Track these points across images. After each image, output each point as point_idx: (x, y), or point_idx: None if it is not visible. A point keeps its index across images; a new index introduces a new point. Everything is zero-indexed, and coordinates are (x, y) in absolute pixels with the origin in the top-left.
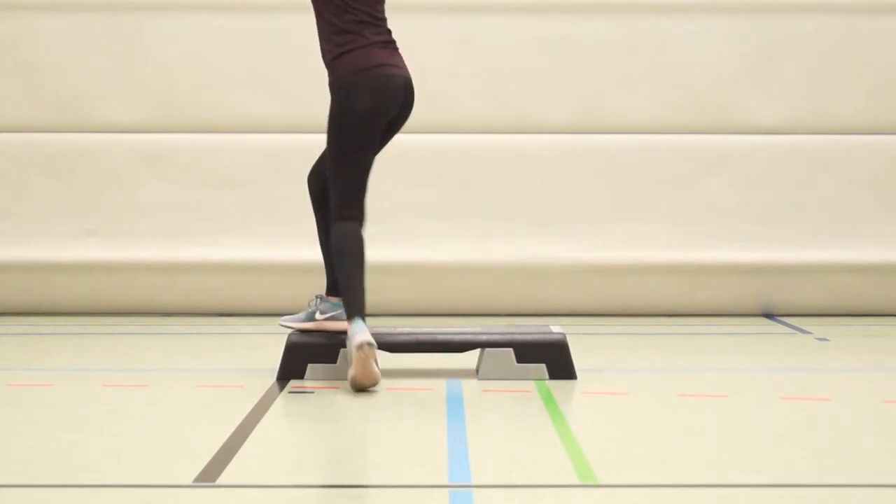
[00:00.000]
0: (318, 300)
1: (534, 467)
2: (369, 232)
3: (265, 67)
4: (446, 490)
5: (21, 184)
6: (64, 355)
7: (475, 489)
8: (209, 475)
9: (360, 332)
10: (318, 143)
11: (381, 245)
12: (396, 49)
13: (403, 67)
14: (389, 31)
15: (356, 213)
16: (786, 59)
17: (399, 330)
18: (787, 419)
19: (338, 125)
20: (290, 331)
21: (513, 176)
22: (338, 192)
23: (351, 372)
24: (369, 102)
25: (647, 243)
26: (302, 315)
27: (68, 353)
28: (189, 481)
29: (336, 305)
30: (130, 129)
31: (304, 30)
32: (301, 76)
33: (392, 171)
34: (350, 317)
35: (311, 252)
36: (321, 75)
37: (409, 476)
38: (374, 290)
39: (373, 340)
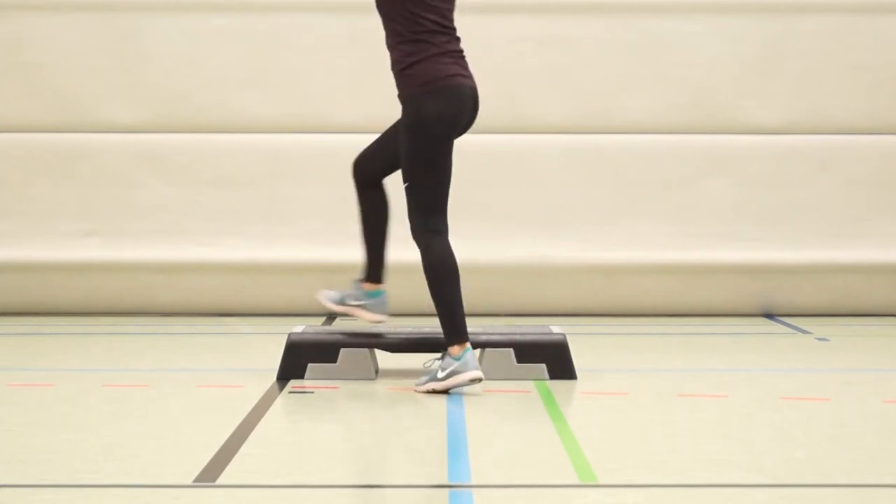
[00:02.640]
0: (354, 284)
1: (534, 467)
2: None
3: (265, 67)
4: (446, 490)
5: (21, 184)
6: (64, 355)
7: (475, 489)
8: (209, 475)
9: (475, 368)
10: (318, 143)
11: None
12: (464, 57)
13: (471, 77)
14: (459, 39)
15: (443, 225)
16: (786, 59)
17: (399, 330)
18: (787, 419)
19: (414, 136)
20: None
21: (513, 176)
22: (421, 206)
23: (435, 387)
24: (442, 111)
25: (647, 243)
26: (338, 294)
27: (68, 353)
28: (189, 481)
29: (368, 294)
30: (130, 129)
31: (305, 30)
32: (301, 76)
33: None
34: (458, 341)
35: (311, 252)
36: (321, 75)
37: (409, 476)
38: None
39: (482, 376)
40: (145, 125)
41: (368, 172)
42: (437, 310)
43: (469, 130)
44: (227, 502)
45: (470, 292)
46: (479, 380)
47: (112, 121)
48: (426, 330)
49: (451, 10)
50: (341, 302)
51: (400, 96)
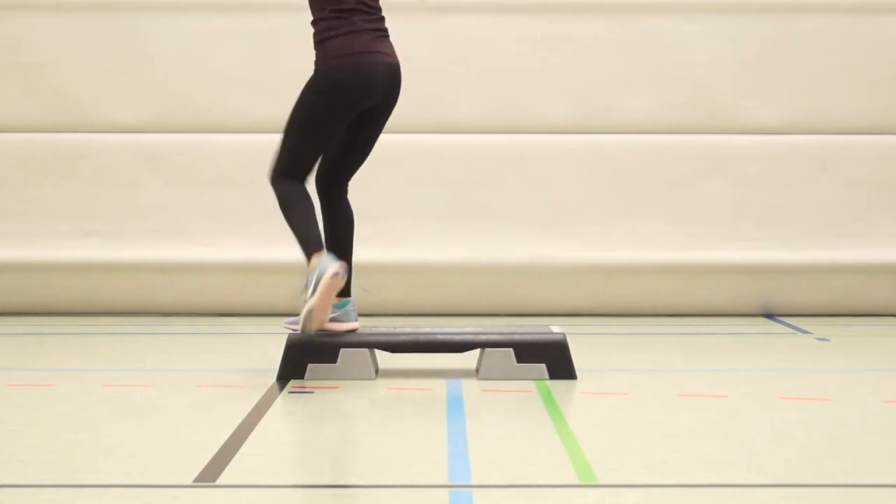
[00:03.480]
0: None
1: (534, 467)
2: (368, 231)
3: (265, 67)
4: (446, 490)
5: (21, 184)
6: (64, 355)
7: (475, 489)
8: (209, 475)
9: (332, 262)
10: None
11: (379, 245)
12: (386, 38)
13: (390, 55)
14: (382, 19)
15: (300, 177)
16: (786, 59)
17: (399, 330)
18: (787, 419)
19: (311, 97)
20: (291, 331)
21: (513, 176)
22: (287, 158)
23: (311, 304)
24: (350, 83)
25: (647, 243)
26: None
27: (68, 353)
28: (189, 481)
29: (335, 307)
30: (130, 129)
31: (305, 30)
32: (301, 76)
33: (391, 171)
34: (315, 251)
35: None
36: None
37: (409, 476)
38: (374, 291)
39: (340, 269)
40: (145, 125)
41: (329, 183)
42: (295, 236)
43: (471, 130)
44: (227, 502)
45: (470, 292)
46: (338, 274)
47: (112, 121)
48: (426, 330)
49: None
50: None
51: (315, 63)
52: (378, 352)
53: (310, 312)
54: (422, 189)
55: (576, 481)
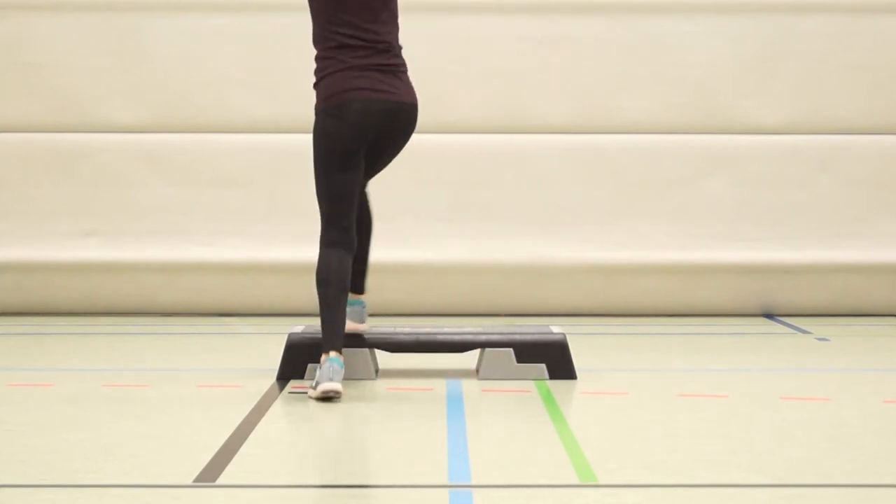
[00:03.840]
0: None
1: (534, 467)
2: None
3: (265, 67)
4: (446, 490)
5: (21, 184)
6: (64, 355)
7: (475, 489)
8: (209, 475)
9: (331, 382)
10: None
11: (381, 245)
12: (389, 71)
13: (388, 91)
14: (386, 51)
15: (338, 237)
16: (786, 59)
17: (399, 330)
18: (787, 419)
19: (315, 147)
20: (292, 330)
21: (513, 176)
22: (322, 216)
23: (312, 395)
24: (334, 128)
25: (647, 243)
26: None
27: (68, 353)
28: (189, 481)
29: (351, 303)
30: (130, 129)
31: (304, 30)
32: (301, 76)
33: (392, 171)
34: (328, 350)
35: (311, 252)
36: None
37: (409, 476)
38: (374, 290)
39: (340, 389)
40: (145, 125)
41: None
42: (320, 317)
43: (471, 130)
44: (227, 502)
45: (470, 292)
46: (334, 393)
47: (112, 121)
48: (426, 330)
49: (371, 21)
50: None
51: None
52: (378, 352)
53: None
54: (422, 189)
55: (576, 481)
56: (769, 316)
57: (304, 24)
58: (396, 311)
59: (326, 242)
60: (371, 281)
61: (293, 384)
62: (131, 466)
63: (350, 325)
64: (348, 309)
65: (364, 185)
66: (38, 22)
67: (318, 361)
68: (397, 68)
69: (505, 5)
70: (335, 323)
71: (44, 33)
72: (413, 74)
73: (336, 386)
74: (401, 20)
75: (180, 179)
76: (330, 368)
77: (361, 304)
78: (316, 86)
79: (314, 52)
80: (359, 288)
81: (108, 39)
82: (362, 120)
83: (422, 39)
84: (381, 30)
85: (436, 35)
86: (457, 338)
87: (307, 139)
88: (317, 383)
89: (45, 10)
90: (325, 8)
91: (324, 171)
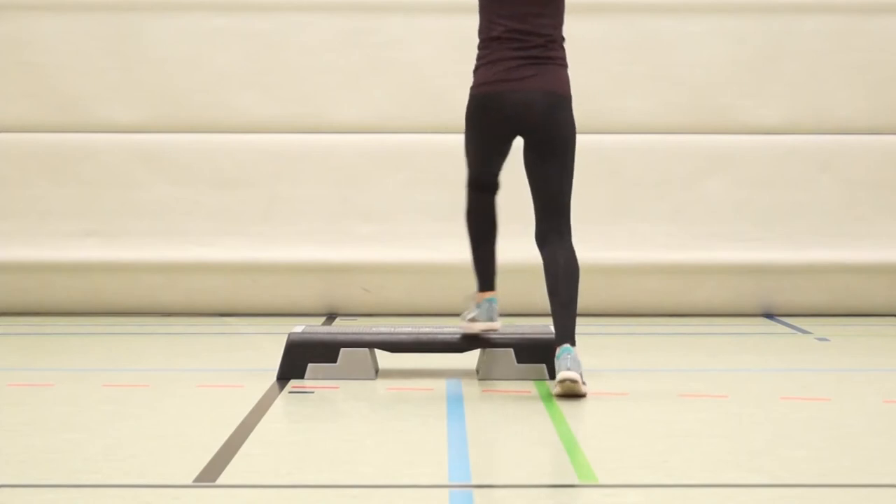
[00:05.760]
0: (468, 298)
1: (534, 467)
2: (368, 231)
3: (265, 67)
4: (446, 490)
5: (21, 184)
6: (64, 355)
7: (475, 489)
8: (209, 475)
9: (488, 318)
10: (317, 142)
11: (381, 245)
12: (539, 64)
13: (532, 83)
14: (541, 46)
15: (487, 182)
16: (786, 59)
17: (399, 330)
18: (787, 419)
19: (465, 123)
20: (290, 331)
21: (512, 176)
22: (468, 169)
23: (477, 325)
24: (471, 115)
25: (647, 243)
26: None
27: (68, 353)
28: (189, 481)
29: (477, 305)
30: (130, 129)
31: (305, 30)
32: (301, 76)
33: (392, 171)
34: (483, 289)
35: (311, 252)
36: (321, 75)
37: (409, 476)
38: (375, 290)
39: (499, 328)
40: (145, 125)
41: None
42: (472, 253)
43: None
44: (227, 502)
45: (470, 292)
46: (493, 329)
47: (112, 121)
48: (426, 330)
49: (534, 15)
50: (462, 320)
51: None
52: (378, 352)
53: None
54: (422, 189)
55: (576, 481)
56: (769, 316)
57: (304, 24)
58: (396, 311)
59: (472, 185)
60: (371, 281)
61: (293, 384)
62: (131, 466)
63: (483, 325)
64: (478, 310)
65: (548, 231)
66: (38, 22)
67: (317, 361)
68: (551, 61)
69: None
70: (489, 261)
71: (44, 33)
72: (413, 74)
73: (497, 325)
74: (401, 20)
75: (180, 179)
76: (490, 308)
77: (494, 300)
78: (474, 73)
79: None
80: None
81: (109, 39)
82: (492, 111)
83: (422, 39)
84: (541, 22)
85: (436, 35)
86: (457, 338)
87: (307, 139)
88: (473, 318)
89: (45, 10)
90: (489, 1)
91: (470, 145)
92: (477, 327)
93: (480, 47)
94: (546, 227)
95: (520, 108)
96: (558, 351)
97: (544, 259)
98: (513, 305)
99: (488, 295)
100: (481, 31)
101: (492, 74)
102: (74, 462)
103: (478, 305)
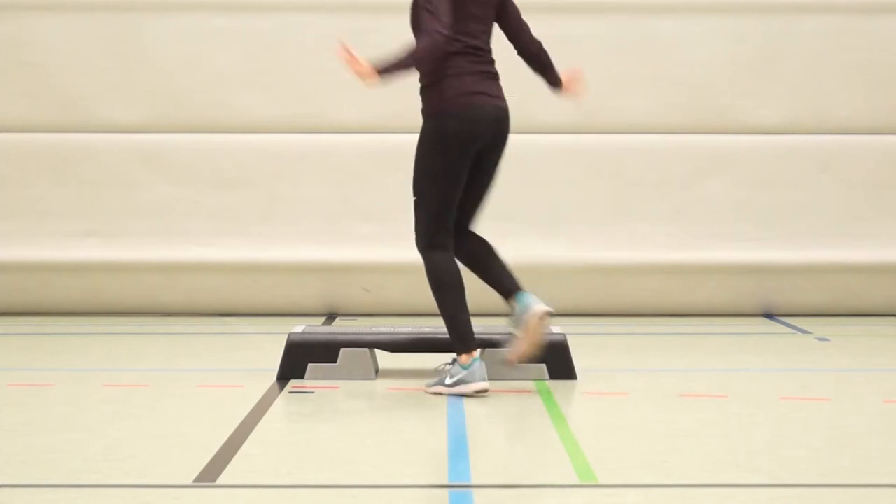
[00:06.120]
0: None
1: (534, 467)
2: (368, 231)
3: (265, 67)
4: (446, 490)
5: (21, 184)
6: (64, 355)
7: (475, 489)
8: (209, 475)
9: (479, 376)
10: (317, 142)
11: (381, 245)
12: (494, 78)
13: (498, 97)
14: (492, 62)
15: (446, 240)
16: (786, 59)
17: (399, 330)
18: (787, 419)
19: (428, 151)
20: (292, 332)
21: (513, 176)
22: (426, 219)
23: (468, 388)
24: (458, 129)
25: (647, 243)
26: (435, 381)
27: (68, 353)
28: (189, 481)
29: (464, 368)
30: (130, 129)
31: (305, 30)
32: (301, 76)
33: (392, 171)
34: (464, 350)
35: (311, 252)
36: (321, 75)
37: (409, 476)
38: (375, 290)
39: (488, 387)
40: (145, 125)
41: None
42: (444, 320)
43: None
44: (227, 502)
45: (470, 292)
46: (485, 391)
47: (112, 121)
48: (426, 330)
49: (484, 32)
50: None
51: (422, 111)
52: (378, 352)
53: (438, 393)
54: None
55: (576, 481)
56: (769, 316)
57: (304, 24)
58: (396, 311)
59: (434, 246)
60: (371, 281)
61: (293, 384)
62: (131, 466)
63: (476, 387)
64: (465, 372)
65: (466, 229)
66: (38, 22)
67: (317, 361)
68: (498, 76)
69: None
70: (466, 322)
71: (44, 33)
72: (414, 74)
73: (488, 385)
74: (401, 20)
75: (180, 179)
76: (481, 367)
77: (478, 361)
78: (426, 89)
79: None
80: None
81: (109, 39)
82: (480, 123)
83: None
84: (487, 39)
85: None
86: None
87: (307, 139)
88: (458, 381)
89: (45, 10)
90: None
91: (440, 172)
92: (473, 388)
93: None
94: (467, 224)
95: (494, 123)
96: (520, 295)
97: (472, 242)
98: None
99: (475, 354)
100: None
101: (468, 86)
102: (74, 462)
103: (464, 367)
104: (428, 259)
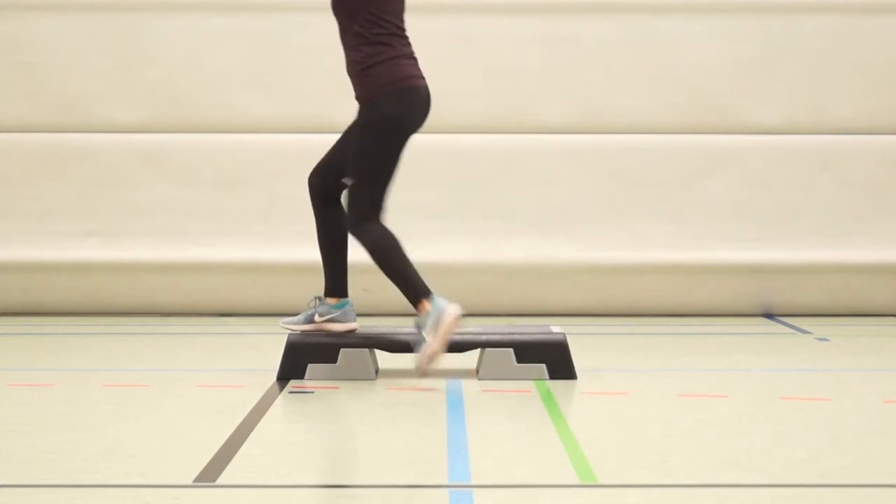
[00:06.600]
0: (318, 302)
1: (534, 467)
2: None
3: (265, 67)
4: (446, 490)
5: (21, 184)
6: (64, 355)
7: (475, 489)
8: (209, 475)
9: (449, 305)
10: (317, 142)
11: None
12: (416, 58)
13: (424, 78)
14: (410, 44)
15: (380, 215)
16: (786, 59)
17: (399, 330)
18: (787, 419)
19: (370, 136)
20: (290, 331)
21: (513, 176)
22: (367, 200)
23: (433, 348)
24: (402, 111)
25: (647, 243)
26: (301, 317)
27: (68, 353)
28: (189, 481)
29: (334, 308)
30: (130, 129)
31: (304, 30)
32: (301, 76)
33: None
34: (424, 298)
35: (311, 252)
36: (321, 75)
37: (409, 476)
38: (375, 290)
39: (459, 312)
40: (145, 125)
41: (325, 184)
42: (396, 282)
43: (470, 130)
44: (227, 502)
45: (470, 292)
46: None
47: (112, 121)
48: None
49: (403, 10)
50: (309, 321)
51: (358, 98)
52: (378, 352)
53: (433, 355)
54: (422, 189)
55: (576, 481)
56: (769, 316)
57: (304, 24)
58: (396, 311)
59: (372, 219)
60: (371, 281)
61: (293, 384)
62: (131, 466)
63: (342, 325)
64: (337, 312)
65: (342, 189)
66: (38, 22)
67: (317, 361)
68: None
69: (505, 5)
70: (416, 272)
71: (44, 33)
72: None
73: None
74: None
75: (180, 179)
76: (352, 309)
77: (349, 303)
78: (366, 71)
79: (345, 41)
80: (343, 291)
81: (109, 39)
82: (420, 107)
83: (422, 40)
84: (404, 20)
85: (436, 35)
86: (457, 338)
87: (307, 139)
88: (331, 319)
89: (45, 10)
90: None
91: (384, 157)
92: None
93: (369, 44)
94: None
95: (426, 106)
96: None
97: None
98: (513, 305)
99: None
100: (363, 29)
101: (405, 70)
102: (74, 462)
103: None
104: (365, 232)
